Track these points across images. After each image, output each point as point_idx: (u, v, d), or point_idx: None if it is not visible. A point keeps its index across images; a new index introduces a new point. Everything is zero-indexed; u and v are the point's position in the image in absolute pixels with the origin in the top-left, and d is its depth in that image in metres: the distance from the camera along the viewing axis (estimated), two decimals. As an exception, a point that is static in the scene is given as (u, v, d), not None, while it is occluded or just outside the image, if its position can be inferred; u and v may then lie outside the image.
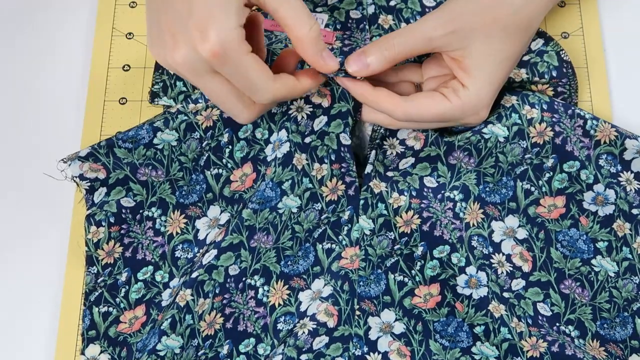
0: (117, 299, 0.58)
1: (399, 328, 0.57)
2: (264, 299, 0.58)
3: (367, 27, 0.63)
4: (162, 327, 0.56)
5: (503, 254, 0.59)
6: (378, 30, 0.63)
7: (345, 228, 0.59)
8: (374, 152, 0.60)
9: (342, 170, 0.59)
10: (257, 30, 0.54)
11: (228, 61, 0.48)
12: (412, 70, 0.59)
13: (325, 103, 0.59)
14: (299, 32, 0.50)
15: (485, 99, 0.55)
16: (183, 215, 0.60)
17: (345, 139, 0.59)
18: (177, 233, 0.60)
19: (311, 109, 0.59)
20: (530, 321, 0.57)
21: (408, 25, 0.55)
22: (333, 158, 0.59)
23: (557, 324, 0.58)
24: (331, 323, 0.57)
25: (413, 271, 0.58)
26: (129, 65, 0.66)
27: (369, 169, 0.60)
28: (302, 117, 0.59)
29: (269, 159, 0.60)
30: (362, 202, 0.60)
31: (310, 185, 0.59)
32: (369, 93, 0.55)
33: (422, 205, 0.60)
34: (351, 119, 0.59)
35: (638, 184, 0.60)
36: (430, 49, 0.55)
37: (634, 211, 0.59)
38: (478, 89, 0.55)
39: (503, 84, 0.57)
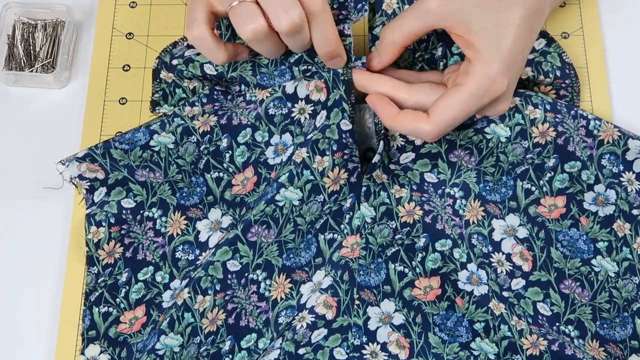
0: (118, 299, 0.58)
1: (398, 319, 0.57)
2: (266, 293, 0.58)
3: (365, 6, 0.62)
4: (161, 327, 0.56)
5: (503, 252, 0.59)
6: (382, 17, 0.62)
7: (347, 216, 0.59)
8: (382, 142, 0.59)
9: (345, 157, 0.59)
10: None
11: None
12: (434, 74, 0.60)
13: (322, 97, 0.58)
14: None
15: (494, 65, 0.54)
16: (184, 217, 0.60)
17: (346, 125, 0.58)
18: (177, 234, 0.59)
19: (312, 108, 0.59)
20: (530, 321, 0.57)
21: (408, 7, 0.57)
22: (335, 148, 0.58)
23: (557, 324, 0.58)
24: (330, 315, 0.57)
25: (413, 262, 0.58)
26: (129, 65, 0.66)
27: (376, 158, 0.59)
28: (305, 117, 0.59)
29: (271, 162, 0.60)
30: (364, 189, 0.59)
31: (311, 177, 0.59)
32: (393, 118, 0.56)
33: (423, 198, 0.60)
34: (345, 104, 0.58)
35: (639, 184, 0.60)
36: (430, 24, 0.55)
37: (634, 212, 0.59)
38: (485, 58, 0.54)
39: (517, 54, 0.55)
